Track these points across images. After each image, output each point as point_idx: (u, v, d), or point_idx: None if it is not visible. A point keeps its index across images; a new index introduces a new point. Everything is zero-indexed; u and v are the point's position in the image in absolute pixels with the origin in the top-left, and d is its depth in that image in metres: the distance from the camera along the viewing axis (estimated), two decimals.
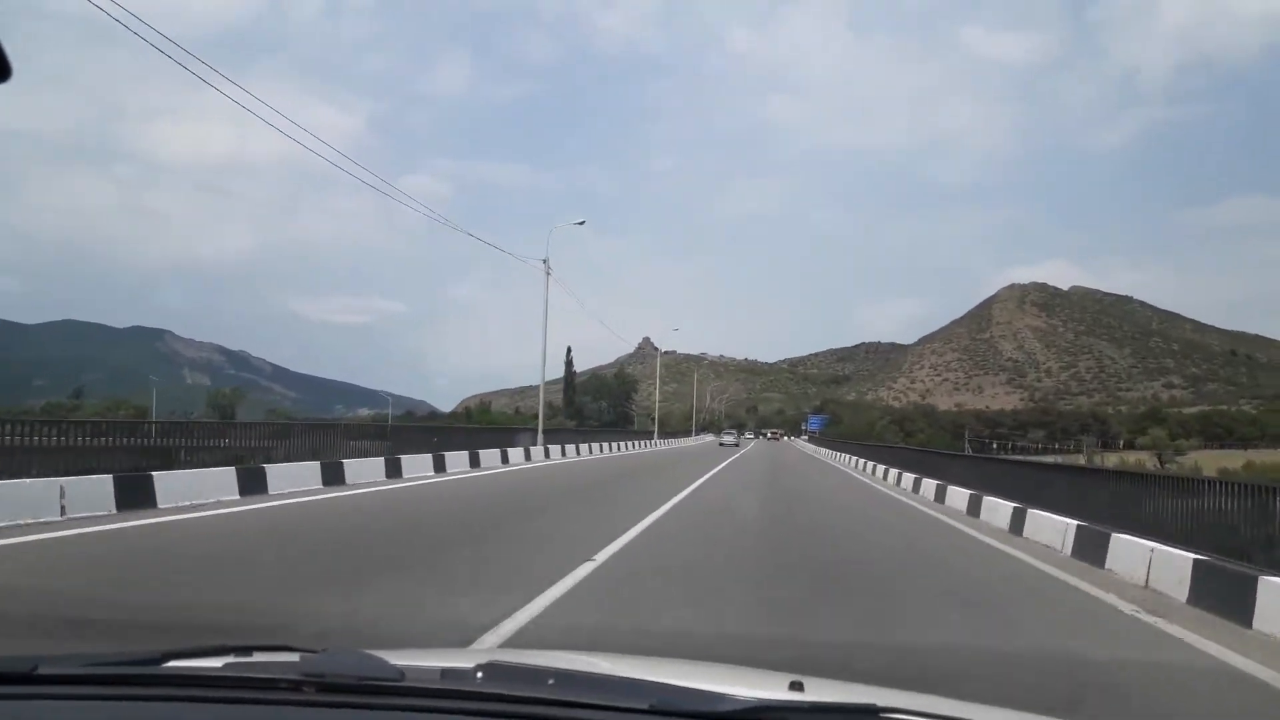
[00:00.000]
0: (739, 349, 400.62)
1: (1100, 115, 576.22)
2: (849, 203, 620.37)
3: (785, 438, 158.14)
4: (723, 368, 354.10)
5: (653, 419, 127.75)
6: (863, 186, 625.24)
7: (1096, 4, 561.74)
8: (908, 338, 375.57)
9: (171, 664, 1.69)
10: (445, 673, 1.64)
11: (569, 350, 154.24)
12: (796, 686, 1.74)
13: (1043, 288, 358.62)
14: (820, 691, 1.78)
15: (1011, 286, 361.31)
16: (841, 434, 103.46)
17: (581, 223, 50.76)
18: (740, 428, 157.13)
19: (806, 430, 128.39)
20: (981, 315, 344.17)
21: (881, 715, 1.49)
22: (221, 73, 17.00)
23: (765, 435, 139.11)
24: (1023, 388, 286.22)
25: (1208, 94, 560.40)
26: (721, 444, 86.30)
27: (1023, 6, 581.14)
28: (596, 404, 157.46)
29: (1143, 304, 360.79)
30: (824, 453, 68.53)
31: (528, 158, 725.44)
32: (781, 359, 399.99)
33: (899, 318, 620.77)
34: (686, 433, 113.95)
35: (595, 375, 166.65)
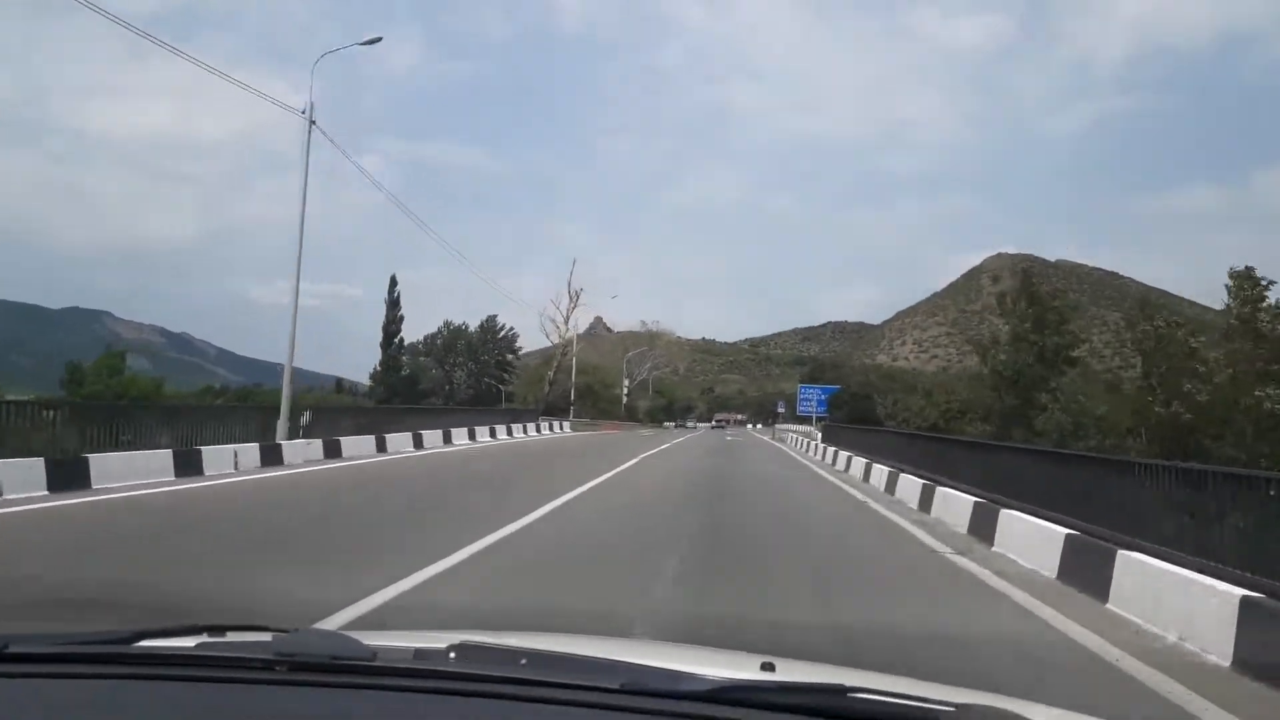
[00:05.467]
0: (695, 330, 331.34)
1: (1055, 103, 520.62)
2: (807, 188, 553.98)
3: (749, 426, 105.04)
4: (676, 347, 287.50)
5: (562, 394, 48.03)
6: (820, 172, 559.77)
7: None
8: (873, 319, 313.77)
9: (144, 643, 1.55)
10: (418, 653, 1.55)
11: (393, 283, 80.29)
12: (768, 667, 1.62)
13: (1031, 258, 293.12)
14: (791, 672, 1.66)
15: (999, 255, 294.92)
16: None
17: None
18: (688, 411, 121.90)
19: (814, 414, 54.17)
20: (969, 286, 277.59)
21: (850, 694, 1.34)
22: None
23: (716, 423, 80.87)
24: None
25: (1161, 83, 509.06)
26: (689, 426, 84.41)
27: None
28: (444, 370, 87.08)
29: (1130, 279, 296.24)
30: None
31: (479, 139, 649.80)
32: (742, 339, 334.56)
33: (859, 302, 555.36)
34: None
35: (452, 329, 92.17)
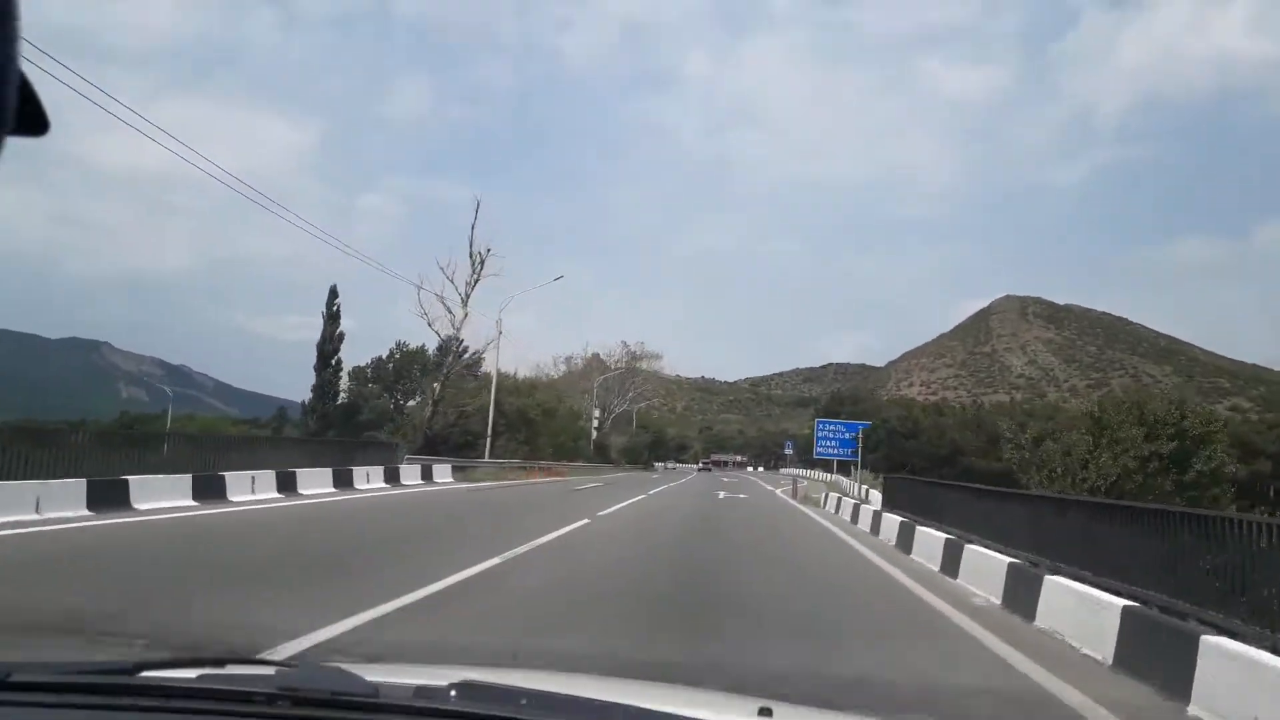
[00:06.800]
0: (695, 369, 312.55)
1: (1056, 153, 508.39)
2: (808, 235, 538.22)
3: (750, 469, 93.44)
4: (675, 385, 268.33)
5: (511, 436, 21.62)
6: (821, 219, 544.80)
7: (1056, 41, 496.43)
8: (874, 362, 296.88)
9: (146, 674, 1.50)
10: (419, 690, 1.47)
11: (332, 294, 60.71)
12: (765, 712, 1.54)
13: (1040, 300, 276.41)
14: (788, 717, 1.57)
15: (1008, 297, 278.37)
16: None
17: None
18: (681, 450, 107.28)
19: (837, 458, 35.52)
20: (978, 327, 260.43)
21: None
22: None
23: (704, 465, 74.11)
24: (1021, 411, 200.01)
25: (1160, 134, 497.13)
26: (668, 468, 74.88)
27: (981, 42, 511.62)
28: (393, 398, 70.19)
29: (1141, 325, 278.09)
30: None
31: (483, 181, 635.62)
32: (742, 378, 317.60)
33: (860, 346, 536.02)
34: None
35: (406, 351, 73.25)
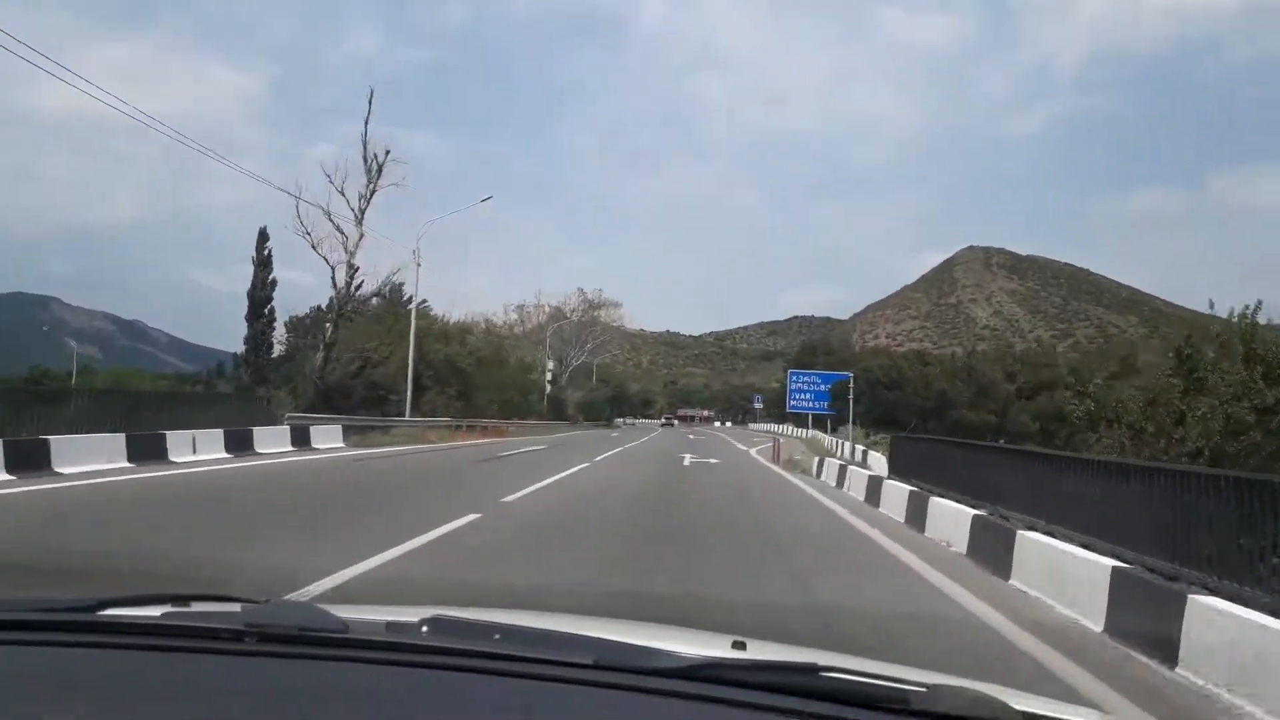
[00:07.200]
0: (659, 323, 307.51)
1: (1015, 103, 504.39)
2: (769, 185, 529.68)
3: (718, 424, 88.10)
4: (639, 339, 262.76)
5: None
6: (783, 168, 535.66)
7: None
8: (838, 315, 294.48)
9: (109, 612, 1.45)
10: (390, 625, 1.45)
11: (262, 237, 52.05)
12: (739, 645, 1.56)
13: (1003, 251, 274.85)
14: (762, 651, 1.58)
15: (971, 248, 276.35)
16: None
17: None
18: (646, 405, 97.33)
19: (812, 411, 30.56)
20: (941, 278, 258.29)
21: (822, 674, 1.27)
22: None
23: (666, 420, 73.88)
24: (1011, 358, 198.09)
25: (1119, 85, 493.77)
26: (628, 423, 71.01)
27: None
28: (329, 350, 61.17)
29: (1102, 276, 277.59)
30: None
31: (437, 126, 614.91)
32: (707, 332, 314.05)
33: (823, 299, 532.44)
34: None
35: (355, 301, 66.07)
